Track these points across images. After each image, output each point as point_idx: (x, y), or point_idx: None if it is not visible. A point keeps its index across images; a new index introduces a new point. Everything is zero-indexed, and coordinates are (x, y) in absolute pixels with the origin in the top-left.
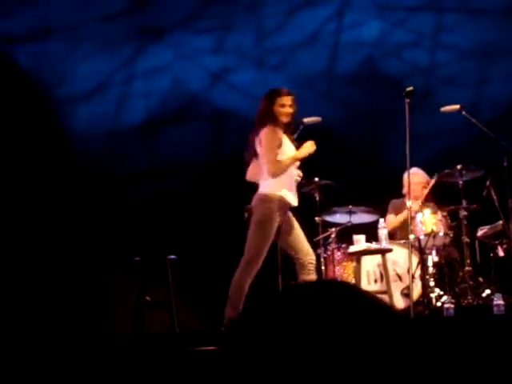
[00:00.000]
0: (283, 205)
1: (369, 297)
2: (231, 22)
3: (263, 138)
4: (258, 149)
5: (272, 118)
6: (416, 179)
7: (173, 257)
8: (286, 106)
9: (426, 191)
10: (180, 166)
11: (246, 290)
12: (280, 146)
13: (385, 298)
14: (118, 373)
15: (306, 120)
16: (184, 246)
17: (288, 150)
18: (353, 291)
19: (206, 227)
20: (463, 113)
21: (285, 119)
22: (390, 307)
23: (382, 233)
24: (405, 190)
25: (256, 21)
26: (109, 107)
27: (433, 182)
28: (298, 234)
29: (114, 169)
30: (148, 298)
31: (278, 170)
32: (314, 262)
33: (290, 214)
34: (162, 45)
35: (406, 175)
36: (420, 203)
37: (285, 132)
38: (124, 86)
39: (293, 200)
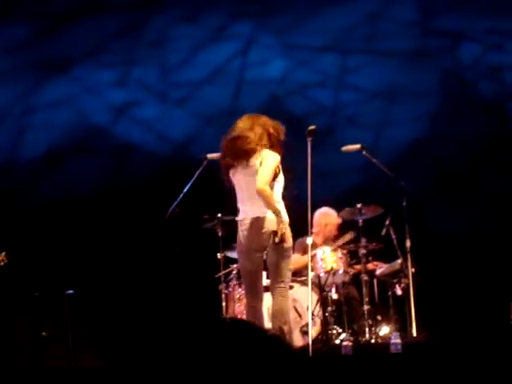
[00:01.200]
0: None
1: (266, 335)
2: (135, 57)
3: None
4: None
5: None
6: (331, 220)
7: (71, 291)
8: None
9: (336, 232)
10: (80, 199)
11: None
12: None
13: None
14: None
15: (209, 156)
16: (83, 280)
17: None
18: (250, 330)
19: (106, 261)
20: (363, 152)
21: None
22: (287, 345)
23: None
24: (315, 230)
25: (160, 56)
26: (8, 139)
27: (339, 221)
28: None
29: (15, 201)
30: (44, 333)
31: None
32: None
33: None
34: (66, 77)
35: (317, 214)
36: (335, 245)
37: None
38: (25, 118)
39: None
